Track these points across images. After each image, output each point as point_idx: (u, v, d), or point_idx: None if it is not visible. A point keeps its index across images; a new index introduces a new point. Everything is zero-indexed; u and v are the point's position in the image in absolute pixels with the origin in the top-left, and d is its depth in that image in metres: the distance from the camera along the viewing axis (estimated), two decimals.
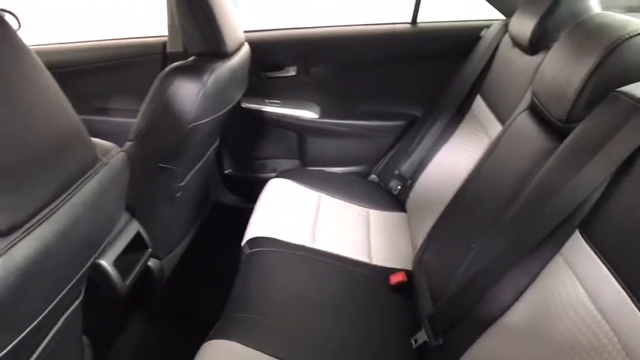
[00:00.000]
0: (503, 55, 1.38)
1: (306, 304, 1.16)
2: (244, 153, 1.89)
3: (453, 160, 1.44)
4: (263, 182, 1.65)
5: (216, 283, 1.54)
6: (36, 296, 0.64)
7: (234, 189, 1.93)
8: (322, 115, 1.76)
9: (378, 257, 1.37)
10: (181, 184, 1.33)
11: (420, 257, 1.27)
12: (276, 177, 1.62)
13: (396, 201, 1.63)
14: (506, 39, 1.39)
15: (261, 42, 1.63)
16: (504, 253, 0.87)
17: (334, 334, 1.08)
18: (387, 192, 1.69)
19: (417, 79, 1.72)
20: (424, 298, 1.13)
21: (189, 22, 1.22)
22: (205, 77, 1.17)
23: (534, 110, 1.02)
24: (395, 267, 1.33)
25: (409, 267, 1.34)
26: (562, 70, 0.90)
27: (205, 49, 1.25)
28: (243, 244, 1.35)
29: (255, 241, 1.33)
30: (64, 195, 0.66)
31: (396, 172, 1.65)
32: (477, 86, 1.47)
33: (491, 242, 0.93)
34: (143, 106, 1.18)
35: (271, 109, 1.76)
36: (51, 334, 0.79)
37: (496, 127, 1.25)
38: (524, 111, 1.07)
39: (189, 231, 1.58)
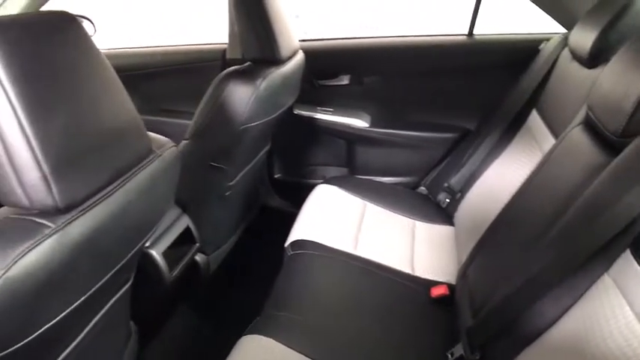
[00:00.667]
0: (562, 69, 1.34)
1: (344, 308, 1.16)
2: (294, 159, 1.93)
3: (504, 174, 1.40)
4: (311, 188, 1.67)
5: (258, 281, 1.58)
6: (86, 272, 0.69)
7: (283, 193, 1.97)
8: (373, 124, 1.77)
9: (421, 269, 1.35)
10: (231, 183, 1.38)
11: (463, 271, 1.24)
12: (323, 183, 1.64)
13: (444, 214, 1.61)
14: (566, 52, 1.35)
15: (316, 51, 1.67)
16: (550, 268, 0.84)
17: (369, 341, 1.08)
18: (436, 205, 1.66)
19: (471, 91, 1.69)
20: (464, 311, 1.10)
21: (247, 30, 1.28)
22: (259, 82, 1.22)
23: (589, 124, 0.98)
24: (437, 280, 1.31)
25: (452, 281, 1.31)
26: (620, 82, 0.86)
27: (260, 55, 1.30)
28: (286, 245, 1.38)
29: (298, 244, 1.35)
30: (119, 180, 0.71)
31: (446, 184, 1.62)
32: (533, 100, 1.43)
33: (537, 257, 0.90)
34: (199, 107, 1.25)
35: (323, 116, 1.79)
36: (100, 314, 0.84)
37: (550, 142, 1.21)
38: (578, 125, 1.03)
39: (237, 230, 1.63)
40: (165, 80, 1.88)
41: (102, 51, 1.92)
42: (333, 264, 1.30)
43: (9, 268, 0.54)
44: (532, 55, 1.52)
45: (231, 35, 1.71)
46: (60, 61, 0.63)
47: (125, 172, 0.72)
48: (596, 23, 1.13)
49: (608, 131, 0.87)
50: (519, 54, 1.57)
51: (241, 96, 1.20)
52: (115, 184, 0.70)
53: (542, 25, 1.57)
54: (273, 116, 1.36)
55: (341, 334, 1.08)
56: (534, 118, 1.38)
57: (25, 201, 0.60)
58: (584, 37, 1.17)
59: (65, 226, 0.61)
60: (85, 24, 2.07)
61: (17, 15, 0.61)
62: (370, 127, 1.77)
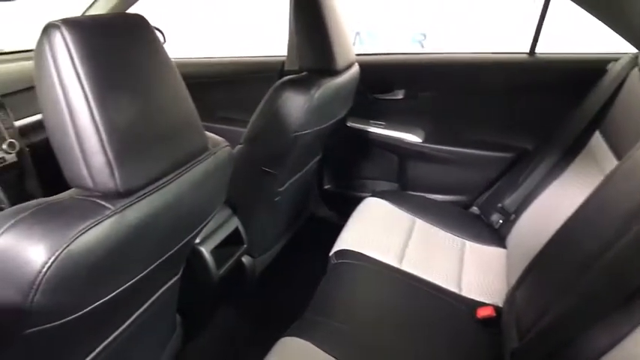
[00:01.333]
0: (630, 90, 1.27)
1: (385, 320, 1.15)
2: (345, 171, 1.94)
3: (562, 197, 1.34)
4: (359, 201, 1.67)
5: (300, 288, 1.59)
6: (139, 256, 0.73)
7: (331, 204, 1.98)
8: (426, 139, 1.75)
9: (468, 289, 1.31)
10: (281, 189, 1.41)
11: (512, 295, 1.19)
12: (372, 196, 1.64)
13: (496, 236, 1.56)
14: (635, 72, 1.28)
15: (372, 64, 1.68)
16: (605, 293, 0.80)
17: (408, 356, 1.06)
18: (488, 225, 1.62)
19: (530, 110, 1.64)
20: (510, 333, 1.06)
21: (304, 40, 1.32)
22: (313, 91, 1.25)
23: None
24: (484, 301, 1.27)
25: (499, 303, 1.26)
26: None
27: (316, 66, 1.33)
28: (331, 254, 1.39)
29: (343, 253, 1.35)
30: (175, 172, 0.75)
31: (499, 205, 1.57)
32: (596, 121, 1.36)
33: (592, 281, 0.85)
34: (255, 113, 1.29)
35: (376, 129, 1.79)
36: (149, 302, 0.88)
37: (612, 165, 1.15)
38: None
39: (284, 236, 1.65)
40: (224, 89, 1.96)
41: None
42: (376, 276, 1.29)
43: (71, 242, 0.58)
44: (598, 75, 1.45)
45: (290, 48, 1.76)
46: (131, 58, 0.69)
47: (181, 165, 0.77)
48: None
49: None
50: (584, 74, 1.51)
51: (295, 104, 1.24)
52: (170, 176, 0.74)
53: (611, 43, 1.50)
54: (325, 125, 1.39)
55: (379, 346, 1.07)
56: (597, 140, 1.32)
57: (89, 182, 0.65)
58: None
59: (124, 209, 0.65)
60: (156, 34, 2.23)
61: (97, 15, 0.67)
62: (423, 142, 1.75)
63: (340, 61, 1.34)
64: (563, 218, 1.19)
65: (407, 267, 1.34)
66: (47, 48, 0.61)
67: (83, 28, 0.63)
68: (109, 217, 0.63)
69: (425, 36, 3.71)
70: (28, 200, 1.67)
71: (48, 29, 0.61)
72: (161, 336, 1.09)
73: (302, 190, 1.68)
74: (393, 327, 1.13)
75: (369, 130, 1.80)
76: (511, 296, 1.20)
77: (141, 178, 0.69)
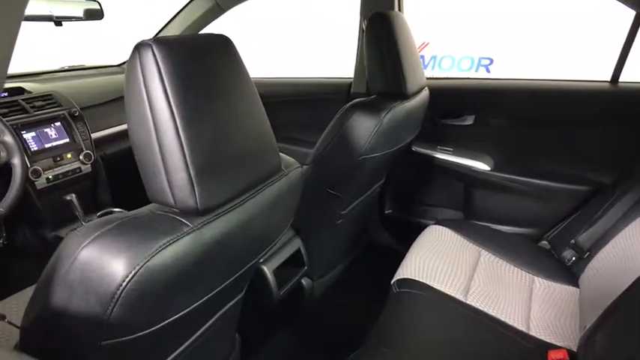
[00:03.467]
0: None
1: (449, 355, 1.10)
2: (407, 196, 1.90)
3: None
4: (421, 228, 1.63)
5: (358, 314, 1.56)
6: (212, 273, 0.74)
7: (392, 230, 1.95)
8: (495, 168, 1.69)
9: (538, 329, 1.24)
10: (344, 212, 1.40)
11: (588, 339, 1.10)
12: (436, 224, 1.60)
13: (568, 273, 1.46)
14: None
15: (441, 88, 1.66)
16: None
17: None
18: (559, 261, 1.52)
19: (610, 142, 1.55)
20: None
21: (375, 63, 1.32)
22: (383, 114, 1.24)
23: None
24: (555, 343, 1.19)
25: (572, 347, 1.17)
26: None
27: (387, 89, 1.33)
28: (393, 282, 1.35)
29: (406, 282, 1.32)
30: (251, 192, 0.76)
31: (573, 241, 1.48)
32: None
33: None
34: (323, 135, 1.30)
35: (442, 155, 1.75)
36: (213, 319, 0.89)
37: None
38: None
39: (343, 260, 1.64)
40: (291, 109, 1.99)
41: None
42: (440, 307, 1.24)
43: (151, 258, 0.60)
44: None
45: (358, 70, 1.77)
46: (216, 78, 0.71)
47: (256, 185, 0.78)
48: None
49: None
50: None
51: (364, 126, 1.23)
52: (246, 195, 0.75)
53: None
54: (392, 149, 1.37)
55: None
56: None
57: (170, 199, 0.66)
58: None
59: (201, 227, 0.67)
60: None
61: (183, 35, 0.70)
62: (492, 170, 1.69)
63: (411, 85, 1.33)
64: None
65: (472, 301, 1.28)
66: (138, 65, 0.64)
67: (173, 48, 0.65)
68: (187, 234, 0.65)
69: (492, 60, 3.62)
70: (99, 209, 1.76)
71: (140, 47, 0.64)
72: (221, 353, 1.10)
73: (364, 214, 1.67)
74: None
75: (436, 155, 1.76)
76: (587, 341, 1.11)
77: (219, 197, 0.70)
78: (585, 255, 1.44)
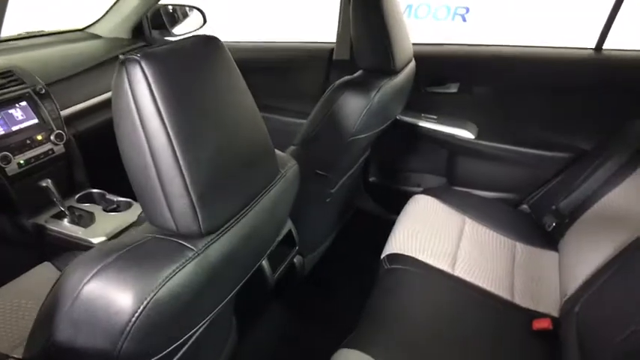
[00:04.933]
0: None
1: (441, 332, 1.14)
2: (391, 164, 1.90)
3: (626, 205, 1.29)
4: (405, 194, 1.64)
5: (349, 284, 1.60)
6: (218, 291, 0.73)
7: (376, 197, 1.96)
8: (479, 136, 1.70)
9: (521, 296, 1.30)
10: (332, 190, 1.39)
11: (570, 307, 1.17)
12: (421, 193, 1.61)
13: (547, 238, 1.52)
14: None
15: (426, 55, 1.62)
16: None
17: None
18: (539, 226, 1.58)
19: (592, 110, 1.56)
20: (571, 354, 1.04)
21: (363, 38, 1.27)
22: (373, 94, 1.21)
23: None
24: (538, 310, 1.25)
25: (554, 313, 1.24)
26: None
27: (376, 65, 1.29)
28: (382, 257, 1.38)
29: (395, 258, 1.34)
30: (251, 203, 0.73)
31: (553, 207, 1.53)
32: None
33: None
34: (311, 115, 1.26)
35: (426, 124, 1.74)
36: (212, 314, 0.89)
37: None
38: None
39: (332, 233, 1.65)
40: (270, 76, 1.92)
41: None
42: (430, 283, 1.28)
43: (159, 290, 0.58)
44: None
45: (340, 36, 1.70)
46: (209, 88, 0.66)
47: (258, 194, 0.75)
48: None
49: None
50: None
51: (354, 107, 1.20)
52: (247, 208, 0.73)
53: None
54: (381, 128, 1.35)
55: (439, 357, 1.07)
56: None
57: (172, 225, 0.63)
58: None
59: (205, 249, 0.64)
60: (196, 14, 2.18)
61: (168, 44, 0.64)
62: (476, 138, 1.70)
63: (400, 61, 1.29)
64: (629, 229, 1.15)
65: (460, 272, 1.33)
66: (126, 84, 0.58)
67: (163, 61, 0.60)
68: (193, 259, 0.62)
69: (467, 9, 3.56)
70: (77, 191, 1.69)
71: (127, 63, 0.58)
72: (219, 339, 1.11)
73: (352, 187, 1.66)
74: (450, 339, 1.12)
75: (420, 124, 1.75)
76: (569, 309, 1.17)
77: (222, 216, 0.68)
78: (566, 221, 1.49)
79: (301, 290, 1.58)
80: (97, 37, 1.98)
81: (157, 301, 0.58)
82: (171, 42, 0.65)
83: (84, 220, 1.48)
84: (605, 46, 1.52)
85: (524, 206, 1.71)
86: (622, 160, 1.38)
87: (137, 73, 0.58)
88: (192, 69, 0.65)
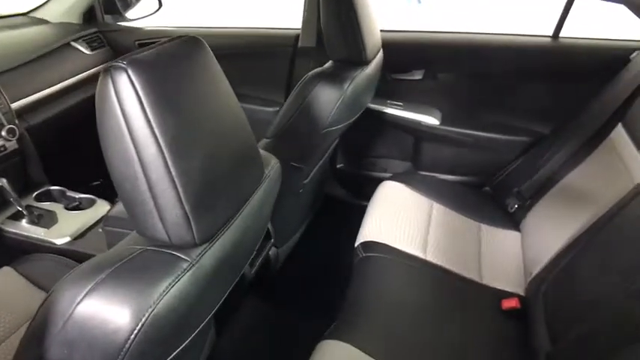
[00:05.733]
0: None
1: (418, 317, 1.18)
2: (358, 150, 1.92)
3: (584, 188, 1.36)
4: (373, 180, 1.67)
5: (324, 272, 1.61)
6: (212, 297, 0.72)
7: (344, 184, 1.98)
8: (443, 121, 1.74)
9: (489, 277, 1.36)
10: (306, 181, 1.39)
11: (537, 286, 1.23)
12: (389, 179, 1.64)
13: (510, 219, 1.59)
14: None
15: (391, 43, 1.63)
16: None
17: (446, 351, 1.11)
18: (501, 208, 1.65)
19: (550, 96, 1.64)
20: (540, 332, 1.11)
21: (334, 29, 1.26)
22: (346, 85, 1.21)
23: None
24: (506, 289, 1.32)
25: (521, 292, 1.31)
26: None
27: (347, 57, 1.28)
28: (356, 245, 1.40)
29: (369, 246, 1.37)
30: (241, 209, 0.73)
31: (515, 189, 1.60)
32: (619, 114, 1.37)
33: (628, 303, 0.89)
34: (284, 107, 1.25)
35: (393, 111, 1.76)
36: None
37: (637, 162, 1.17)
38: None
39: (305, 221, 1.66)
40: (233, 63, 1.86)
41: (167, 29, 1.93)
42: (404, 269, 1.32)
43: (156, 305, 0.57)
44: (622, 63, 1.45)
45: (306, 22, 1.68)
46: (196, 95, 0.65)
47: (246, 199, 0.74)
48: None
49: None
50: (607, 62, 1.50)
51: (327, 99, 1.20)
52: (238, 212, 0.72)
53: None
54: (353, 119, 1.36)
55: (417, 343, 1.11)
56: (620, 132, 1.33)
57: (164, 236, 0.62)
58: None
59: (199, 259, 0.63)
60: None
61: (151, 48, 0.61)
62: (440, 124, 1.74)
63: (370, 51, 1.30)
64: (588, 211, 1.22)
65: (431, 257, 1.37)
66: (112, 93, 0.56)
67: (150, 67, 0.58)
68: (188, 270, 0.61)
69: None
70: (34, 189, 1.61)
71: (112, 71, 0.55)
72: (200, 338, 1.10)
73: (323, 176, 1.67)
74: (426, 323, 1.17)
75: (386, 111, 1.76)
76: (535, 288, 1.24)
77: (215, 224, 0.67)
78: (527, 202, 1.57)
79: (277, 281, 1.58)
80: (43, 21, 1.85)
81: (156, 316, 0.56)
82: (155, 46, 0.62)
83: (44, 220, 1.42)
84: (561, 34, 1.59)
85: (486, 188, 1.78)
86: (579, 144, 1.46)
87: (124, 81, 0.55)
88: (179, 74, 0.63)
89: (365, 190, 1.72)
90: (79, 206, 1.50)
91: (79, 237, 1.37)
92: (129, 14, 1.99)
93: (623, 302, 0.91)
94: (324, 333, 1.11)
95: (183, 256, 0.62)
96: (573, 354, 0.96)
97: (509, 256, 1.45)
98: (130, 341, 0.55)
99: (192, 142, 0.62)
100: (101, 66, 1.87)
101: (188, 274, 0.61)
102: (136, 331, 0.55)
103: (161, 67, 0.60)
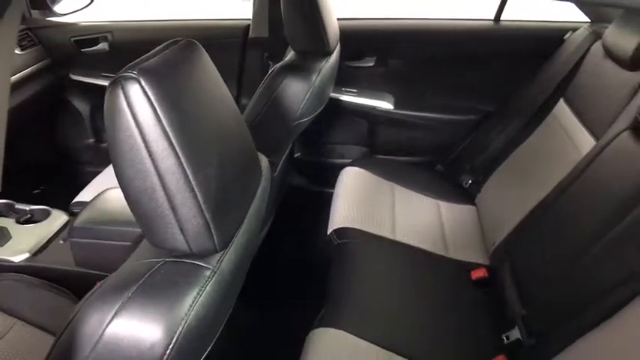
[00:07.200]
0: (595, 64, 1.40)
1: (399, 295, 1.24)
2: (315, 138, 1.93)
3: (532, 160, 1.47)
4: (331, 166, 1.70)
5: (298, 262, 1.62)
6: (229, 302, 0.72)
7: (302, 172, 1.99)
8: (396, 105, 1.80)
9: (455, 250, 1.44)
10: (275, 174, 1.39)
11: (501, 255, 1.33)
12: (350, 165, 1.68)
13: (464, 194, 1.69)
14: (597, 47, 1.40)
15: (343, 31, 1.65)
16: (607, 272, 0.94)
17: (428, 325, 1.17)
18: (456, 184, 1.74)
19: (495, 76, 1.74)
20: (511, 297, 1.20)
21: (296, 21, 1.25)
22: (314, 77, 1.22)
23: None
24: (472, 261, 1.41)
25: (485, 261, 1.41)
26: None
27: (311, 48, 1.29)
28: (329, 233, 1.43)
29: (343, 232, 1.40)
30: (248, 210, 0.73)
31: (468, 166, 1.69)
32: (560, 90, 1.49)
33: (591, 262, 0.99)
34: (252, 102, 1.24)
35: (348, 97, 1.79)
36: None
37: (584, 136, 1.29)
38: (625, 130, 1.10)
39: (272, 214, 1.66)
40: None
41: (107, 23, 1.85)
42: (378, 251, 1.36)
43: (188, 317, 0.56)
44: (557, 43, 1.57)
45: (257, 13, 1.66)
46: (202, 101, 0.64)
47: (252, 200, 0.74)
48: (638, 26, 1.19)
49: None
50: (545, 42, 1.62)
51: (296, 91, 1.21)
52: (247, 214, 0.72)
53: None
54: (320, 110, 1.37)
55: (402, 321, 1.16)
56: (562, 107, 1.45)
57: (184, 247, 0.61)
58: (624, 39, 1.22)
59: (219, 265, 0.63)
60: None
61: (157, 55, 0.59)
62: (394, 108, 1.79)
63: (332, 41, 1.31)
64: (539, 181, 1.33)
65: (401, 237, 1.43)
66: (125, 106, 0.53)
67: (162, 78, 0.56)
68: (211, 278, 0.61)
69: None
70: None
71: (123, 82, 0.53)
72: None
73: (286, 166, 1.67)
74: (407, 299, 1.23)
75: (341, 98, 1.79)
76: (499, 256, 1.33)
77: (232, 229, 0.67)
78: (480, 177, 1.67)
79: (252, 280, 1.57)
80: None
81: (188, 327, 0.57)
82: (159, 53, 0.60)
83: None
84: (503, 17, 1.69)
85: (439, 166, 1.87)
86: (525, 119, 1.57)
87: (136, 92, 0.53)
88: (186, 80, 0.61)
89: (324, 176, 1.75)
90: (31, 219, 1.40)
91: (38, 252, 1.29)
92: (58, 8, 1.85)
93: (585, 264, 1.00)
94: (311, 323, 1.14)
95: (205, 265, 0.62)
96: (548, 315, 1.05)
97: (470, 230, 1.54)
98: (166, 356, 0.54)
99: (207, 149, 0.61)
100: (34, 66, 1.74)
101: (212, 281, 0.61)
102: (171, 346, 0.55)
103: (170, 75, 0.58)
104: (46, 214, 1.41)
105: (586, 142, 1.26)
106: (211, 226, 0.60)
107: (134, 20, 1.81)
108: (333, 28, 1.31)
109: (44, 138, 1.98)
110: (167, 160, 0.56)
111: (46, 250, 1.29)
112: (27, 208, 1.41)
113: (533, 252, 1.22)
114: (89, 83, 1.85)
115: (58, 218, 1.40)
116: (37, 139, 1.93)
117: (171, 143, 0.55)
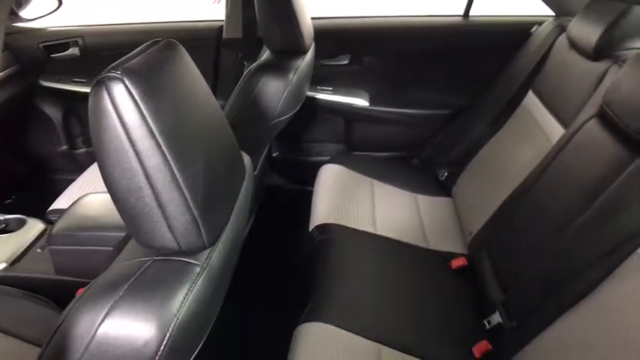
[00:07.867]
0: (560, 56, 1.45)
1: (383, 287, 1.26)
2: (292, 137, 1.94)
3: (505, 150, 1.52)
4: (309, 165, 1.71)
5: (280, 261, 1.63)
6: (219, 298, 0.73)
7: (280, 171, 2.00)
8: (372, 102, 1.82)
9: (434, 242, 1.47)
10: (255, 173, 1.40)
11: (479, 244, 1.36)
12: (329, 162, 1.70)
13: (440, 186, 1.73)
14: (562, 39, 1.46)
15: (317, 30, 1.67)
16: (580, 254, 0.97)
17: (412, 315, 1.20)
18: (431, 177, 1.78)
19: (466, 70, 1.78)
20: (490, 284, 1.24)
21: (271, 20, 1.26)
22: (291, 75, 1.23)
23: (605, 119, 1.10)
24: (451, 251, 1.44)
25: (464, 251, 1.44)
26: None
27: (287, 47, 1.30)
28: (311, 229, 1.44)
29: (323, 228, 1.42)
30: (234, 206, 0.74)
31: (444, 159, 1.73)
32: (529, 82, 1.54)
33: (564, 245, 1.03)
34: (229, 103, 1.24)
35: (324, 96, 1.81)
36: None
37: (554, 125, 1.33)
38: (592, 118, 1.14)
39: (252, 214, 1.66)
40: None
41: (77, 28, 1.84)
42: (360, 245, 1.39)
43: (180, 314, 0.57)
44: (524, 37, 1.62)
45: (230, 13, 1.66)
46: (186, 100, 0.64)
47: (237, 196, 0.75)
48: (600, 18, 1.24)
49: (631, 130, 0.99)
50: (512, 36, 1.67)
51: (274, 90, 1.21)
52: (232, 210, 0.73)
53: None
54: (297, 108, 1.38)
55: (387, 312, 1.19)
56: (531, 98, 1.50)
57: (173, 244, 0.61)
58: (587, 31, 1.28)
59: (208, 261, 0.64)
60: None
61: (139, 56, 0.60)
62: (369, 105, 1.82)
63: (307, 39, 1.32)
64: (513, 170, 1.37)
65: (381, 231, 1.45)
66: (110, 107, 0.54)
67: (145, 77, 0.57)
68: (201, 274, 0.62)
69: None
70: None
71: (107, 82, 0.53)
72: None
73: (264, 166, 1.68)
74: (390, 291, 1.25)
75: (317, 96, 1.81)
76: (478, 246, 1.37)
77: (220, 225, 0.67)
78: (455, 170, 1.71)
79: (237, 281, 1.57)
80: None
81: (180, 323, 0.57)
82: (140, 53, 0.60)
83: None
84: (471, 13, 1.73)
85: (416, 160, 1.91)
86: (496, 112, 1.62)
87: (120, 92, 0.54)
88: (169, 80, 0.62)
89: (301, 175, 1.76)
90: (6, 228, 1.37)
91: (15, 261, 1.26)
92: (24, 14, 1.81)
93: (558, 248, 1.04)
94: (297, 319, 1.15)
95: (194, 262, 0.62)
96: (526, 298, 1.09)
97: (448, 221, 1.58)
98: (160, 352, 0.55)
99: (192, 147, 0.61)
100: (2, 73, 1.70)
101: (202, 277, 0.62)
102: (165, 342, 0.55)
103: (153, 74, 0.59)
104: (21, 223, 1.38)
105: (556, 131, 1.31)
106: (199, 222, 0.61)
107: (105, 24, 1.78)
108: (307, 27, 1.32)
109: (14, 146, 1.93)
110: (154, 159, 0.56)
111: (24, 259, 1.27)
112: (1, 217, 1.38)
113: (508, 239, 1.26)
114: (60, 89, 1.81)
115: (34, 227, 1.37)
116: (6, 148, 1.88)
117: (157, 142, 0.56)
